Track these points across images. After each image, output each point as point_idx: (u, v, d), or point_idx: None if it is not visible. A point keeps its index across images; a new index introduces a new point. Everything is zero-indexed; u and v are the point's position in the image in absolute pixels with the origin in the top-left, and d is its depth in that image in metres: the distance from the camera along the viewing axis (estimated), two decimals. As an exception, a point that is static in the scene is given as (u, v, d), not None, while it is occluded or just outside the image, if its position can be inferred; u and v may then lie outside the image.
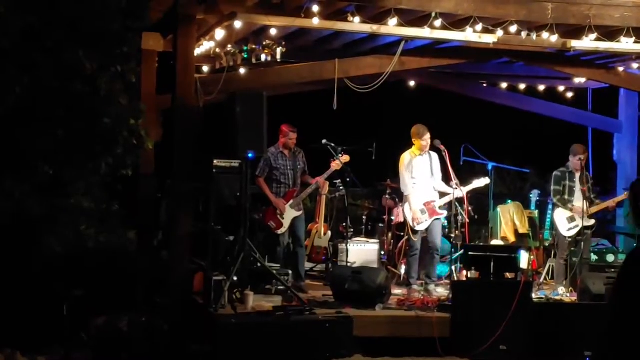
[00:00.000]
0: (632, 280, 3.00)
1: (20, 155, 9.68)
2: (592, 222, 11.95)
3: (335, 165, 11.87)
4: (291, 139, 11.70)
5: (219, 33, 11.03)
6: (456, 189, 11.46)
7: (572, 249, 12.04)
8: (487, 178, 12.10)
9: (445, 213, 11.72)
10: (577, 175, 12.16)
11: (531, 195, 14.15)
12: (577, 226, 12.02)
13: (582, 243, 11.98)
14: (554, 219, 12.31)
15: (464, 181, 11.78)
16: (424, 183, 11.64)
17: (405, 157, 11.69)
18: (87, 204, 10.45)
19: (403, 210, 11.84)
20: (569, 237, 12.06)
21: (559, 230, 12.18)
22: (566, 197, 12.14)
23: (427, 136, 11.56)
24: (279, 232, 11.53)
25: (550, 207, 12.73)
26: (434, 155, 11.70)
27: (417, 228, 11.60)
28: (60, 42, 9.44)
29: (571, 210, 12.03)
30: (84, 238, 10.44)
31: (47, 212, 9.91)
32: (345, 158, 11.94)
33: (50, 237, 10.03)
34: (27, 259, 9.88)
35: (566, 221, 12.11)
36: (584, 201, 11.85)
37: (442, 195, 11.70)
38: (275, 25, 10.92)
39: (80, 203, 10.37)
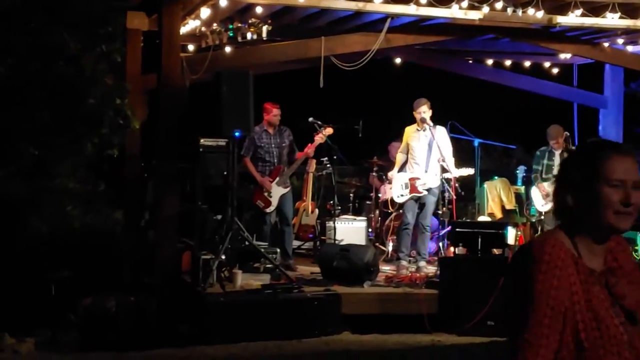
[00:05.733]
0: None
1: (4, 136, 9.64)
2: None
3: (319, 138, 11.85)
4: (275, 115, 11.68)
5: (204, 11, 10.98)
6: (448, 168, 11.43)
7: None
8: (471, 169, 12.09)
9: (424, 193, 11.63)
10: (557, 152, 12.28)
11: (517, 171, 14.19)
12: (550, 201, 12.14)
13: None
14: (531, 195, 12.51)
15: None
16: (419, 160, 11.48)
17: (406, 130, 11.59)
18: (73, 185, 10.43)
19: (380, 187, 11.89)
20: (545, 213, 12.25)
21: (534, 205, 12.40)
22: (543, 175, 12.33)
23: (422, 109, 11.32)
24: (268, 210, 11.53)
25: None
26: (439, 130, 11.49)
27: (397, 200, 11.59)
28: (44, 23, 9.39)
29: (537, 187, 12.27)
30: (70, 219, 10.42)
31: (32, 193, 9.89)
32: (329, 131, 11.91)
33: (36, 219, 10.01)
34: (13, 241, 9.86)
35: (540, 197, 12.32)
36: None
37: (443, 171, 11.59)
38: (260, 3, 10.88)
39: (66, 184, 10.35)
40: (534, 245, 2.89)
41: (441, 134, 11.50)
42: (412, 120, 11.55)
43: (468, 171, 11.99)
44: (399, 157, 11.73)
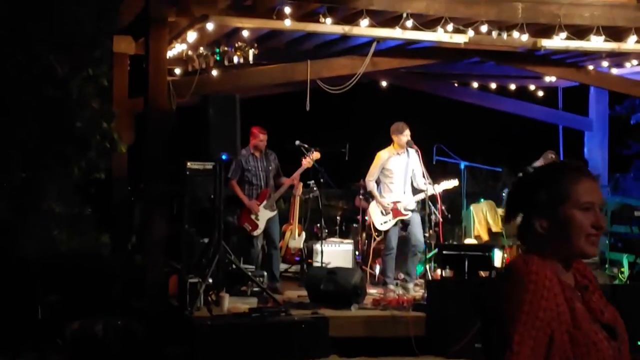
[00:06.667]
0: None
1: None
2: None
3: (307, 162, 11.89)
4: (261, 140, 11.71)
5: (191, 35, 11.01)
6: (426, 188, 11.49)
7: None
8: (455, 180, 12.13)
9: (409, 214, 11.68)
10: None
11: (504, 194, 14.21)
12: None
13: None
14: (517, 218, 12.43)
15: (436, 181, 11.81)
16: (398, 183, 11.65)
17: (383, 154, 11.66)
18: (60, 208, 10.40)
19: (368, 209, 11.92)
20: None
21: None
22: None
23: (407, 132, 11.52)
24: (255, 233, 11.54)
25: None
26: (412, 153, 11.63)
27: (380, 228, 11.66)
28: (33, 45, 9.40)
29: None
30: (57, 242, 10.39)
31: (18, 216, 9.86)
32: (316, 155, 11.95)
33: (23, 242, 9.98)
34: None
35: None
36: None
37: (416, 193, 11.71)
38: (247, 27, 10.92)
39: (53, 207, 10.32)
40: (519, 266, 2.85)
41: (416, 155, 11.63)
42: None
43: (452, 183, 12.02)
44: (374, 186, 11.77)
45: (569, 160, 3.07)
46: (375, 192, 11.73)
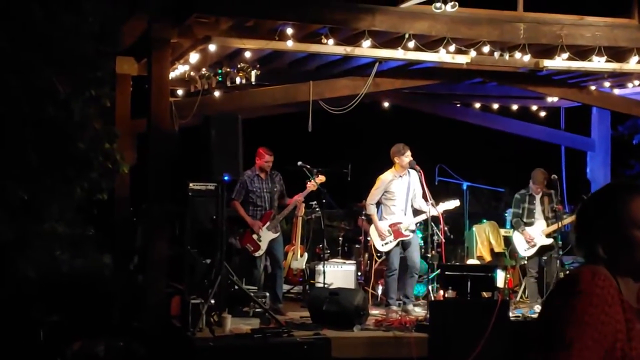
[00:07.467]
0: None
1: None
2: (549, 241, 12.04)
3: (311, 186, 11.87)
4: (267, 161, 11.66)
5: (194, 56, 11.05)
6: (428, 209, 11.47)
7: (545, 267, 12.16)
8: (456, 200, 12.10)
9: (411, 235, 11.65)
10: (538, 197, 12.26)
11: (506, 215, 14.19)
12: (534, 246, 12.11)
13: (551, 262, 12.06)
14: (513, 240, 12.42)
15: (437, 202, 11.78)
16: (399, 205, 11.62)
17: (386, 177, 11.59)
18: (62, 229, 10.39)
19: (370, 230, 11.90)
20: (528, 257, 12.20)
21: (517, 250, 12.32)
22: (524, 219, 12.23)
23: (409, 152, 11.47)
24: (257, 254, 11.51)
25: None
26: (413, 174, 11.62)
27: (381, 249, 11.63)
28: (33, 65, 9.40)
29: (522, 233, 12.15)
30: (59, 263, 10.37)
31: (20, 236, 9.85)
32: (321, 179, 11.94)
33: (24, 263, 9.96)
34: (0, 285, 9.80)
35: (524, 242, 12.23)
36: (546, 221, 12.03)
37: (417, 213, 11.68)
38: (249, 48, 10.95)
39: (55, 228, 10.31)
40: (586, 278, 2.85)
41: (417, 175, 11.59)
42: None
43: (454, 203, 11.97)
44: (374, 210, 11.73)
45: (621, 180, 3.09)
46: (375, 217, 11.68)
